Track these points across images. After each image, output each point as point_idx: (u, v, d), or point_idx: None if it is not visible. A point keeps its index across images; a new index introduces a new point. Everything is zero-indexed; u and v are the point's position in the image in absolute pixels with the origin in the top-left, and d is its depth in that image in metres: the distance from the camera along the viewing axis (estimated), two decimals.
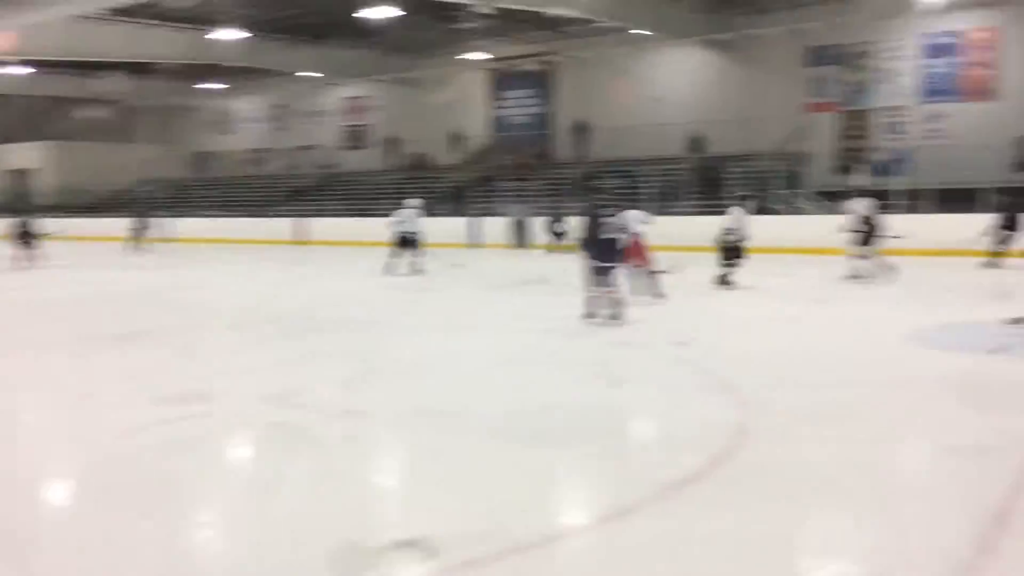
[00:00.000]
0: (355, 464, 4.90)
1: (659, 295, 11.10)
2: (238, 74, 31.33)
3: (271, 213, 27.97)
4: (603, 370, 7.26)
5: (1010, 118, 20.28)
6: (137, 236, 23.81)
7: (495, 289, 11.13)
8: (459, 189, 26.27)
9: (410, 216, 15.99)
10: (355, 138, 33.69)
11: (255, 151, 36.22)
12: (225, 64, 28.13)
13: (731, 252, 12.16)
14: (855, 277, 12.92)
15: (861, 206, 13.49)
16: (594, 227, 9.20)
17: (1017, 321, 8.28)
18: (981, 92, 21.36)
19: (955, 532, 3.67)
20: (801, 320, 9.69)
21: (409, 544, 3.68)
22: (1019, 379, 6.52)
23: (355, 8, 21.27)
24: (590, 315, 9.21)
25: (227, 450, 5.44)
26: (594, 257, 9.17)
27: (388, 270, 15.43)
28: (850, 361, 7.37)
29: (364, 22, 22.84)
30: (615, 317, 9.16)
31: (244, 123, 37.23)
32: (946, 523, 3.81)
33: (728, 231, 12.18)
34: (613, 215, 9.37)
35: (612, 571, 3.48)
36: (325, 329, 9.68)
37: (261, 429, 5.67)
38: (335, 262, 19.98)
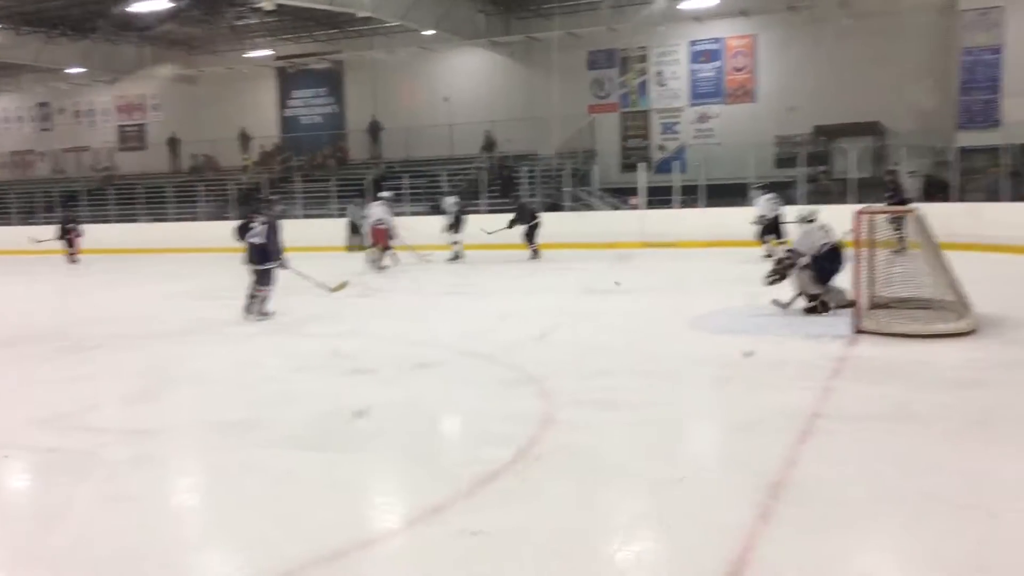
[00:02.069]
0: (149, 487, 4.61)
1: (382, 268, 15.63)
2: None
3: (40, 220, 25.71)
4: (401, 370, 7.26)
5: (767, 118, 22.24)
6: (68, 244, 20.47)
7: (292, 294, 10.82)
8: (250, 191, 25.33)
9: (381, 210, 16.39)
10: (133, 139, 31.62)
11: (18, 154, 33.15)
12: None
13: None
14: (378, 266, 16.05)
15: (451, 201, 17.32)
16: (243, 232, 9.90)
17: (784, 304, 9.08)
18: (742, 94, 23.25)
19: (737, 503, 3.98)
20: (592, 310, 10.13)
21: (217, 566, 3.52)
22: (786, 358, 7.15)
23: (124, 0, 19.94)
24: (247, 311, 9.91)
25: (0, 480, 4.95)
26: (247, 260, 9.94)
27: (371, 266, 15.83)
28: (639, 348, 7.81)
29: (135, 16, 21.45)
30: (263, 314, 9.94)
31: (4, 124, 33.94)
32: (729, 495, 4.13)
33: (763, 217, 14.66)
34: (264, 222, 9.93)
35: (428, 572, 3.50)
36: (105, 344, 9.01)
37: (37, 456, 5.21)
38: (115, 271, 18.66)
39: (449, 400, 6.33)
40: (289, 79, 29.09)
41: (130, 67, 28.75)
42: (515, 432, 5.17)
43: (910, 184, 16.22)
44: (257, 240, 9.84)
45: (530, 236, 16.87)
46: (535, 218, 16.99)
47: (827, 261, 8.85)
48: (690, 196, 19.72)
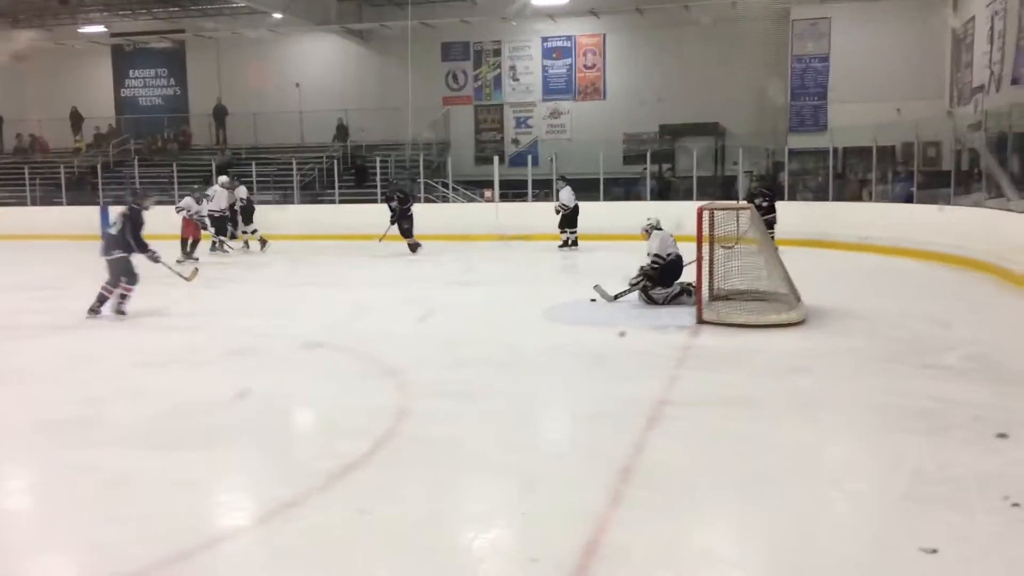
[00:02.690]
0: None
1: (180, 260, 13.89)
2: None
3: None
4: (252, 363, 7.05)
5: (615, 115, 22.93)
6: None
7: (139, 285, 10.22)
8: (83, 176, 23.84)
9: (219, 194, 16.15)
10: None
11: None
12: None
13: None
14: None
15: (240, 192, 17.06)
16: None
17: (610, 296, 9.45)
18: (592, 92, 23.86)
19: (590, 489, 4.11)
20: (448, 302, 10.15)
21: (53, 571, 3.30)
22: (635, 349, 7.43)
23: None
24: (92, 310, 9.02)
25: None
26: (102, 252, 9.14)
27: (213, 250, 15.62)
28: (494, 339, 7.89)
29: None
30: (120, 312, 9.07)
31: None
32: (582, 482, 4.25)
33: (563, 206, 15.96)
34: (123, 213, 9.19)
35: (279, 568, 3.43)
36: None
37: None
38: None
39: (304, 393, 6.19)
40: (126, 57, 27.53)
41: None
42: (371, 425, 5.13)
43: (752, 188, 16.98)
44: (113, 231, 9.14)
45: (409, 229, 15.61)
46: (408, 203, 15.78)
47: (670, 268, 9.33)
48: (542, 190, 20.08)
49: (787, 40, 20.97)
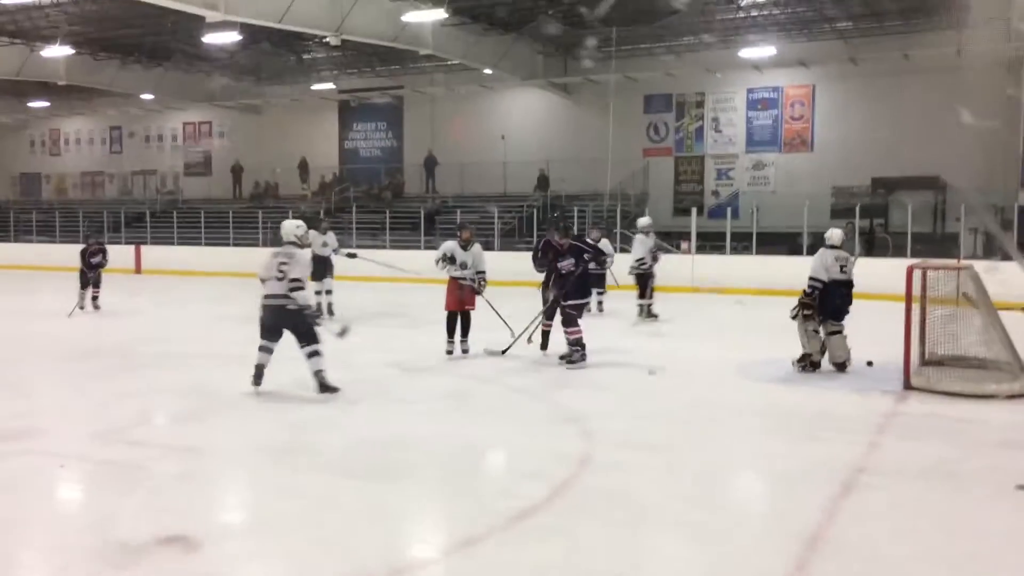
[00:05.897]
0: (192, 502, 4.75)
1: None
2: (71, 93, 29.62)
3: (106, 240, 26.50)
4: (451, 403, 7.33)
5: (823, 168, 22.09)
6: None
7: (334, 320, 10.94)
8: (307, 220, 25.80)
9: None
10: (198, 164, 32.53)
11: (88, 174, 34.32)
12: (56, 82, 26.51)
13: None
14: None
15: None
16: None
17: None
18: (798, 143, 23.16)
19: (773, 555, 3.96)
20: (636, 353, 10.05)
21: None
22: (833, 411, 7.06)
23: (196, 32, 20.65)
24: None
25: (54, 489, 5.14)
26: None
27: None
28: (681, 393, 7.77)
29: (206, 46, 22.21)
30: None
31: (77, 145, 35.19)
32: (765, 547, 4.10)
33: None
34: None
35: None
36: (159, 364, 9.25)
37: (91, 466, 5.42)
38: (175, 292, 19.13)
39: (491, 434, 6.37)
40: (350, 112, 29.77)
41: (199, 95, 29.67)
42: (554, 470, 5.21)
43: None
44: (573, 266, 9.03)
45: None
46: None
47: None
48: (742, 243, 19.61)
49: (1018, 87, 19.43)
